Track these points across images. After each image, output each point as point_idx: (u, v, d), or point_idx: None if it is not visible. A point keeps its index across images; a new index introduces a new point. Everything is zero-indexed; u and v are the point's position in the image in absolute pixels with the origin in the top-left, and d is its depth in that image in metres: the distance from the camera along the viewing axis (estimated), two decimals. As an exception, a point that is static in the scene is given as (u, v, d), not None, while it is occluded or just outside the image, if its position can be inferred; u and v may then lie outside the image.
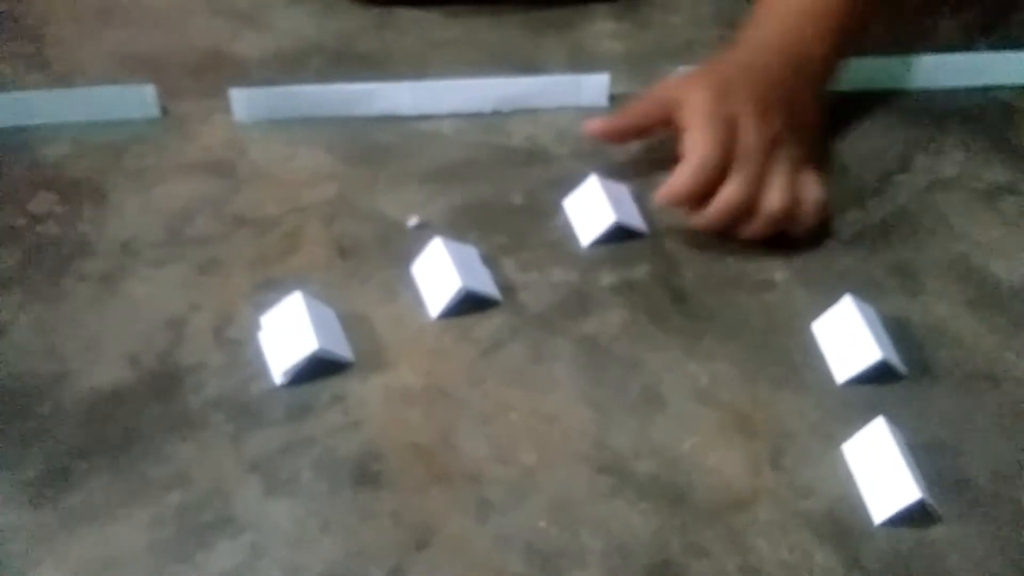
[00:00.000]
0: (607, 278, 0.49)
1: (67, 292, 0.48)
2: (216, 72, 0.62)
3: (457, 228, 0.51)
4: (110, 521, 0.38)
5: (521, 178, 0.55)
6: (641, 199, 0.53)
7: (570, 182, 0.54)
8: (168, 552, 0.37)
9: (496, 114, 0.60)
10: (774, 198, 0.48)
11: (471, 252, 0.49)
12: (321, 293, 0.47)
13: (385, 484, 0.40)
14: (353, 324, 0.46)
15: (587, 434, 0.42)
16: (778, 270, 0.50)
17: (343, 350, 0.44)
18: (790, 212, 0.49)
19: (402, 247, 0.51)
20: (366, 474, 0.40)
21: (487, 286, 0.48)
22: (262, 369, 0.44)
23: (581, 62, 0.64)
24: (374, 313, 0.47)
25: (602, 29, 0.67)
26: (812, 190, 0.50)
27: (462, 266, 0.47)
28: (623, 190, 0.54)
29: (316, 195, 0.54)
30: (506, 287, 0.49)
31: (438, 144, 0.58)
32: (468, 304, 0.47)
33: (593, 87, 0.61)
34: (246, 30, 0.67)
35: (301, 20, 0.68)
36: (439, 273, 0.47)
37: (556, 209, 0.53)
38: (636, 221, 0.52)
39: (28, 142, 0.56)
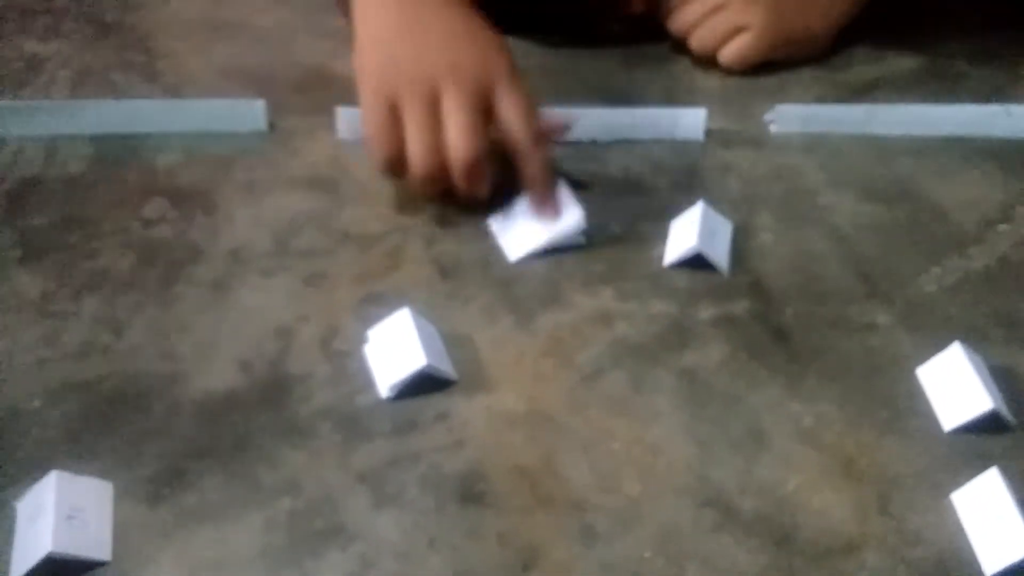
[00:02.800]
0: (706, 312, 0.49)
1: (180, 296, 0.49)
2: (319, 90, 0.64)
3: (556, 256, 0.52)
4: (224, 522, 0.39)
5: (618, 208, 0.56)
6: (737, 240, 0.53)
7: (666, 213, 0.55)
8: (280, 557, 0.38)
9: (593, 143, 0.61)
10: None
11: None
12: (423, 311, 0.48)
13: (490, 504, 0.40)
14: (455, 344, 0.47)
15: (691, 467, 0.42)
16: (881, 314, 0.49)
17: (447, 368, 0.45)
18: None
19: (502, 270, 0.51)
20: (471, 493, 0.40)
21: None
22: (368, 382, 0.45)
23: (675, 96, 0.65)
24: (476, 334, 0.48)
25: (697, 64, 0.68)
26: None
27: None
28: (724, 224, 0.54)
29: (417, 215, 0.55)
30: (604, 315, 0.49)
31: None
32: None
33: (690, 121, 0.61)
34: (347, 51, 0.69)
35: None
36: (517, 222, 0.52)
37: (653, 240, 0.54)
38: (718, 257, 0.52)
39: (141, 149, 0.59)
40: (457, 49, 0.52)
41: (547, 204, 0.53)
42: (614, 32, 0.70)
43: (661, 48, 0.69)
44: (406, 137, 0.51)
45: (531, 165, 0.52)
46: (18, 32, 0.69)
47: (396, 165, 0.52)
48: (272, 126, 0.60)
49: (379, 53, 0.53)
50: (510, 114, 0.51)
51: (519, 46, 0.69)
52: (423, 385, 0.44)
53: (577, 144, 0.60)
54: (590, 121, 0.61)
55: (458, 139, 0.50)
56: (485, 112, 0.51)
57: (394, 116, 0.51)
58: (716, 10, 0.65)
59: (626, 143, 0.61)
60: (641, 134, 0.61)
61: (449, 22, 0.53)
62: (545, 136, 0.54)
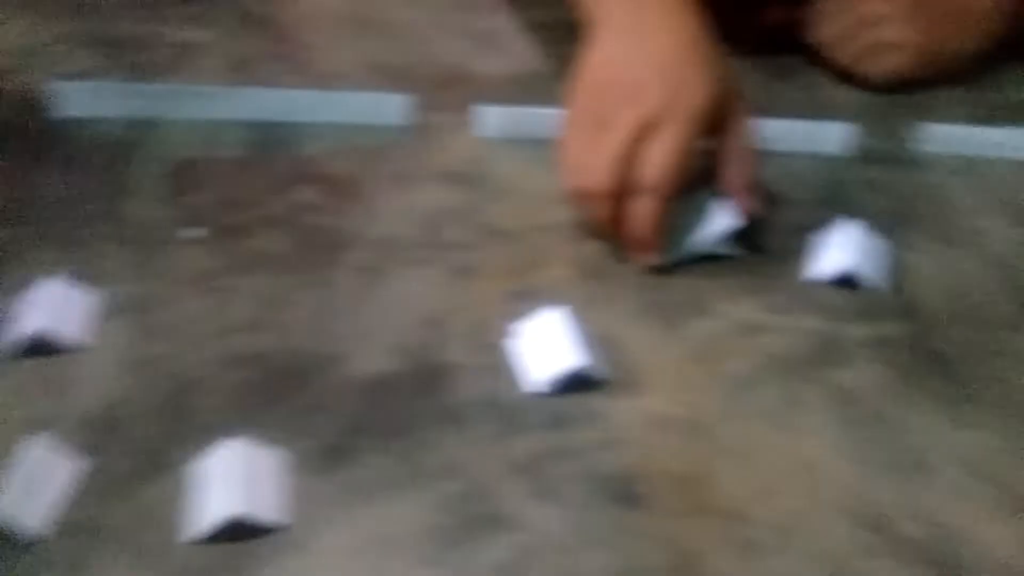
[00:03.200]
0: (858, 330, 0.49)
1: (335, 280, 0.50)
2: (458, 88, 0.66)
3: (700, 265, 0.52)
4: (390, 500, 0.40)
5: (760, 220, 0.56)
6: (887, 259, 0.53)
7: (809, 228, 0.54)
8: (443, 538, 0.38)
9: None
10: None
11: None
12: (571, 310, 0.48)
13: (648, 507, 0.40)
14: (603, 345, 0.47)
15: (849, 487, 0.41)
16: (1043, 344, 0.48)
17: (599, 368, 0.45)
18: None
19: (648, 275, 0.52)
20: (629, 495, 0.41)
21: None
22: (519, 376, 0.45)
23: (813, 109, 0.64)
24: (624, 336, 0.48)
25: (837, 78, 0.67)
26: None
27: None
28: (875, 243, 0.53)
29: (560, 215, 0.55)
30: (752, 327, 0.49)
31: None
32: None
33: (834, 135, 0.61)
34: (487, 50, 0.70)
35: (540, 45, 0.70)
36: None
37: (797, 254, 0.53)
38: (871, 276, 0.51)
39: (291, 137, 0.60)
40: (686, 80, 0.49)
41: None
42: (752, 43, 0.70)
43: (799, 60, 0.69)
44: (599, 150, 0.49)
45: (639, 212, 0.49)
46: (173, 19, 0.72)
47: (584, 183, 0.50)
48: (414, 121, 0.62)
49: (602, 71, 0.51)
50: (650, 157, 0.48)
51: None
52: (576, 383, 0.45)
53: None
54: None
55: (657, 164, 0.48)
56: (692, 151, 0.49)
57: (596, 134, 0.49)
58: (866, 25, 0.64)
59: (766, 155, 0.60)
60: (782, 147, 0.61)
61: (684, 51, 0.51)
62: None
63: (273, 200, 0.55)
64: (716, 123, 0.50)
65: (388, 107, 0.62)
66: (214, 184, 0.56)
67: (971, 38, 0.66)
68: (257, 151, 0.59)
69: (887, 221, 0.55)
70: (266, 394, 0.44)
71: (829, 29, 0.66)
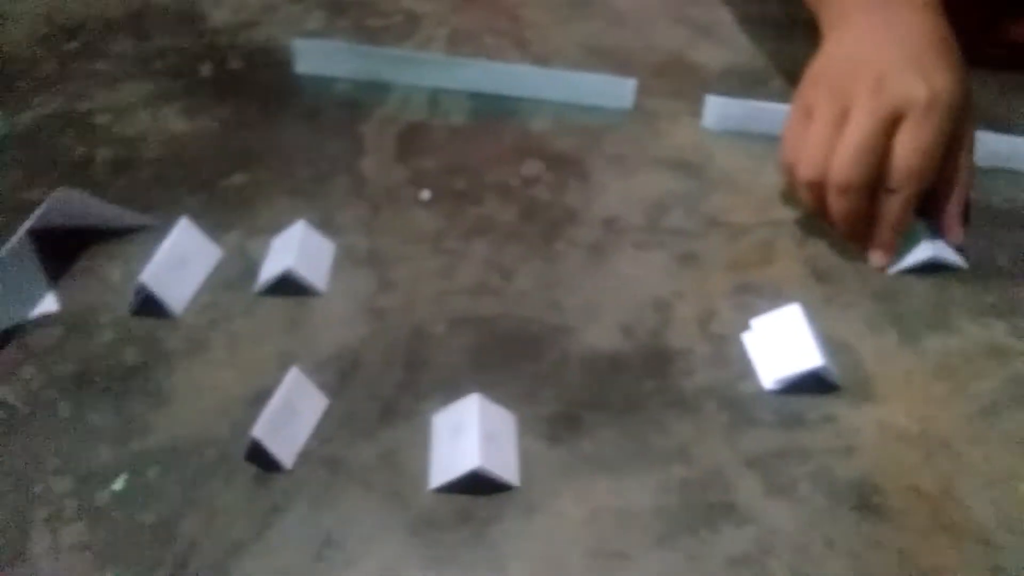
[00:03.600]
0: (1116, 366, 0.45)
1: (560, 254, 0.51)
2: (678, 75, 0.65)
3: (937, 277, 0.50)
4: (620, 475, 0.40)
5: (1005, 240, 0.53)
6: None
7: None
8: (676, 520, 0.38)
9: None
10: None
11: None
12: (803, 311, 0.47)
13: (888, 518, 0.39)
14: (835, 349, 0.46)
15: (1109, 527, 0.39)
16: None
17: (834, 372, 0.44)
18: None
19: (881, 281, 0.50)
20: (867, 503, 0.39)
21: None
22: (749, 369, 0.45)
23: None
24: (858, 343, 0.46)
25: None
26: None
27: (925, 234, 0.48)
28: None
29: (786, 212, 0.54)
30: (998, 349, 0.46)
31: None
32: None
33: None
34: (704, 40, 0.69)
35: (757, 39, 0.69)
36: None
37: (1044, 279, 0.50)
38: None
39: (515, 111, 0.61)
40: (938, 69, 0.47)
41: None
42: (992, 57, 0.66)
43: (1043, 77, 0.65)
44: (806, 138, 0.49)
45: (887, 208, 0.48)
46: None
47: (791, 169, 0.51)
48: (636, 105, 0.62)
49: (824, 61, 0.51)
50: (902, 148, 0.46)
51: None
52: (807, 384, 0.44)
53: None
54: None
55: (842, 155, 0.47)
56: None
57: (806, 120, 0.49)
58: None
59: (1012, 174, 0.57)
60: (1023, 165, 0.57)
61: (933, 45, 0.48)
62: (918, 196, 0.48)
63: (499, 171, 0.57)
64: (957, 126, 0.47)
65: (613, 90, 0.62)
66: (442, 150, 0.58)
67: None
68: (482, 122, 0.61)
69: None
70: (497, 357, 0.45)
71: None
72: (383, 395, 0.43)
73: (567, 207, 0.54)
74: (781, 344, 0.45)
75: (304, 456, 0.40)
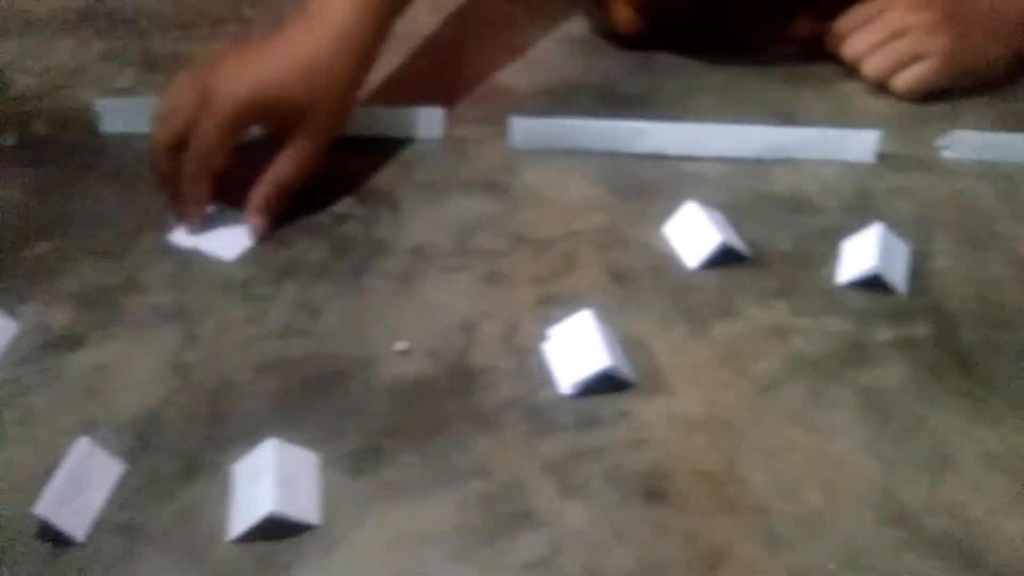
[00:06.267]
0: (884, 332, 0.49)
1: (369, 287, 0.52)
2: (490, 101, 0.67)
3: (726, 266, 0.53)
4: (421, 499, 0.41)
5: (786, 225, 0.56)
6: (913, 263, 0.53)
7: (836, 233, 0.55)
8: (475, 535, 0.40)
9: (758, 161, 0.61)
10: None
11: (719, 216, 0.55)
12: (599, 315, 0.49)
13: (674, 504, 0.41)
14: (631, 347, 0.48)
15: (874, 483, 0.42)
16: (1070, 345, 0.48)
17: (627, 370, 0.46)
18: None
19: (675, 279, 0.52)
20: (655, 491, 0.41)
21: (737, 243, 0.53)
22: (549, 378, 0.47)
23: (841, 118, 0.65)
24: (651, 340, 0.49)
25: (864, 86, 0.67)
26: None
27: (716, 225, 0.53)
28: (901, 247, 0.54)
29: (588, 222, 0.56)
30: (779, 329, 0.49)
31: (702, 185, 0.59)
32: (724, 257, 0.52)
33: (861, 143, 0.61)
34: (515, 63, 0.72)
35: (567, 59, 0.72)
36: (695, 230, 0.53)
37: (824, 259, 0.54)
38: (896, 279, 0.51)
39: (329, 150, 0.62)
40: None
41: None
42: (780, 54, 0.71)
43: (826, 69, 0.69)
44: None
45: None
46: (211, 38, 0.75)
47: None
48: (446, 133, 0.63)
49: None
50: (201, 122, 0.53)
51: (680, 64, 0.71)
52: (603, 384, 0.46)
53: (742, 161, 0.61)
54: (756, 138, 0.61)
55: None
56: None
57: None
58: (893, 37, 0.65)
59: (793, 162, 0.61)
60: (809, 154, 0.61)
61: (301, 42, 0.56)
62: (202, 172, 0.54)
63: (310, 209, 0.57)
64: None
65: (423, 121, 0.63)
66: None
67: (1000, 47, 0.66)
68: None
69: (914, 226, 0.56)
70: (302, 398, 0.45)
71: (857, 42, 0.67)
72: (184, 452, 0.43)
73: (377, 240, 0.55)
74: (575, 349, 0.47)
75: (99, 526, 0.40)
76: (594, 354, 0.46)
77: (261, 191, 0.55)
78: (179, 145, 0.53)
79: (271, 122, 0.56)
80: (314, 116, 0.55)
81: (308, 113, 0.55)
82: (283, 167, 0.55)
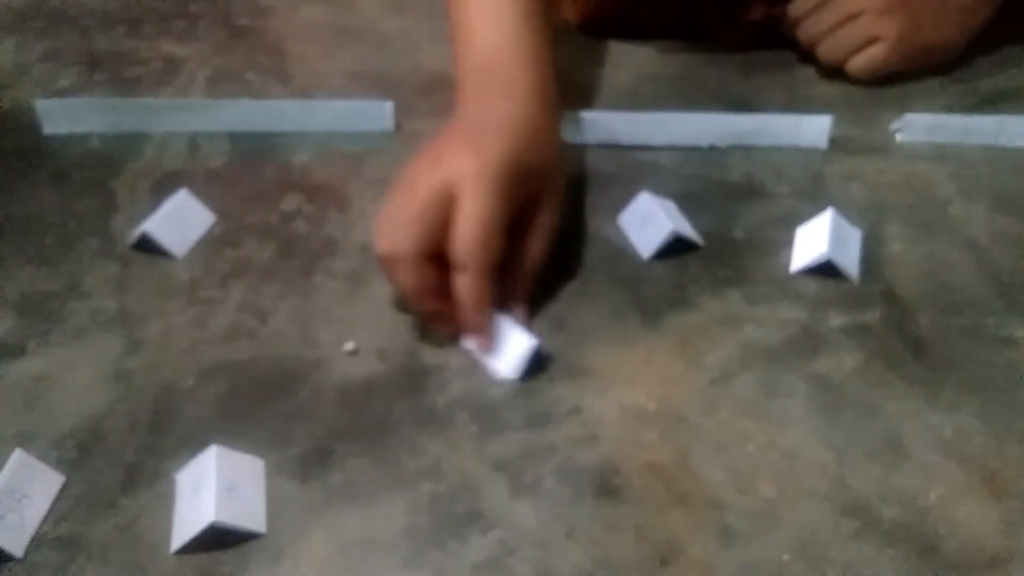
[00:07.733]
0: (836, 319, 0.49)
1: (318, 286, 0.51)
2: (442, 93, 0.66)
3: (680, 256, 0.52)
4: (370, 503, 0.40)
5: (740, 213, 0.56)
6: (866, 248, 0.53)
7: (789, 220, 0.54)
8: (424, 538, 0.39)
9: (712, 149, 0.61)
10: None
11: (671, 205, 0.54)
12: (551, 308, 0.48)
13: (626, 499, 0.41)
14: (582, 341, 0.47)
15: (827, 473, 0.42)
16: (1019, 328, 0.48)
17: (544, 347, 0.46)
18: None
19: (624, 271, 0.52)
20: (607, 487, 0.41)
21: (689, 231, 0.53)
22: (489, 372, 0.46)
23: (795, 103, 0.65)
24: (604, 333, 0.48)
25: (817, 72, 0.67)
26: None
27: (668, 215, 0.52)
28: (853, 232, 0.53)
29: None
30: (732, 318, 0.49)
31: (657, 174, 0.59)
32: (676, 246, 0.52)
33: (813, 128, 0.61)
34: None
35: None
36: (648, 221, 0.53)
37: (777, 246, 0.53)
38: (849, 265, 0.51)
39: (276, 147, 0.61)
40: (453, 140, 0.48)
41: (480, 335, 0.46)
42: (733, 39, 0.70)
43: (780, 55, 0.69)
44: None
45: (458, 288, 0.45)
46: (157, 35, 0.73)
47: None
48: (398, 127, 0.62)
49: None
50: (457, 221, 0.45)
51: (634, 52, 0.70)
52: (535, 365, 0.45)
53: (697, 149, 0.61)
54: (709, 126, 0.61)
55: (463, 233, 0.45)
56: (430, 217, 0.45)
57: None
58: (847, 20, 0.65)
59: (746, 149, 0.61)
60: (762, 140, 0.61)
61: (493, 119, 0.49)
62: (489, 272, 0.45)
63: (257, 209, 0.56)
64: (521, 194, 0.47)
65: (372, 114, 0.62)
66: (200, 195, 0.57)
67: (953, 29, 0.66)
68: (243, 162, 0.60)
69: (866, 209, 0.56)
70: (248, 402, 0.44)
71: (811, 25, 0.66)
72: (126, 462, 0.42)
73: (327, 238, 0.54)
74: (502, 337, 0.46)
75: (37, 540, 0.38)
76: (517, 338, 0.45)
77: (527, 284, 0.49)
78: (432, 251, 0.45)
79: (516, 203, 0.47)
80: (549, 183, 0.49)
81: (544, 181, 0.49)
82: (537, 248, 0.49)
